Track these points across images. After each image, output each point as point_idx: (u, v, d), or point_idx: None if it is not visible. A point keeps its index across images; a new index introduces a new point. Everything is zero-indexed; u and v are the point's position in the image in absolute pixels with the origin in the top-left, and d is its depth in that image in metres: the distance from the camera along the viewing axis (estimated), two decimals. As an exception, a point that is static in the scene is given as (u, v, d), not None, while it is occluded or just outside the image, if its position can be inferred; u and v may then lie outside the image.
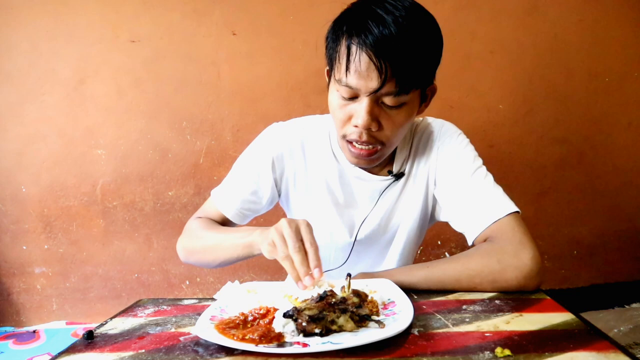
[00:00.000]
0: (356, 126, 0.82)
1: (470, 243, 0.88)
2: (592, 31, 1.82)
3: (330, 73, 0.87)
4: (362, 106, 0.80)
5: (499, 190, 0.88)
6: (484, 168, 0.92)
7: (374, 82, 0.77)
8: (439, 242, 1.89)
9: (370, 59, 0.76)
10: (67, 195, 1.88)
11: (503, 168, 1.86)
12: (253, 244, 0.82)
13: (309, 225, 0.74)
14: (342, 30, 0.81)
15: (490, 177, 0.90)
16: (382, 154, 0.89)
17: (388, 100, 0.80)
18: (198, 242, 0.96)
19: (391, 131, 0.84)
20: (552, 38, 1.82)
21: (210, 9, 1.80)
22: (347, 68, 0.78)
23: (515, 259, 0.77)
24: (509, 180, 1.85)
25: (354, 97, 0.81)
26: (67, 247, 1.90)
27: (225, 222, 1.02)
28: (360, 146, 0.86)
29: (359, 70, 0.77)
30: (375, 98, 0.80)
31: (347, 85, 0.80)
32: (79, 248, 1.90)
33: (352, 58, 0.78)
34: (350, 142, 0.87)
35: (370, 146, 0.85)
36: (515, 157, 1.87)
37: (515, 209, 0.84)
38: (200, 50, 1.82)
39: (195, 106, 1.85)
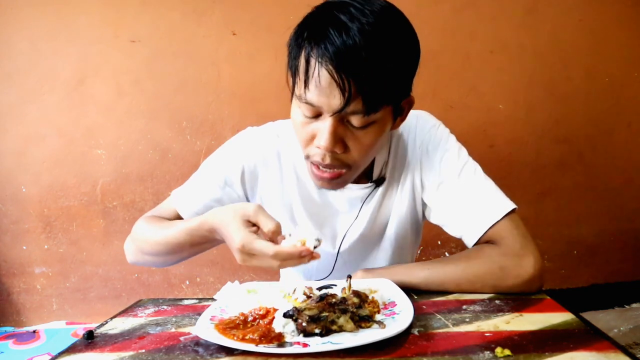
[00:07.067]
0: (319, 147, 0.74)
1: (469, 247, 0.87)
2: (592, 31, 1.82)
3: (292, 85, 0.77)
4: (325, 126, 0.71)
5: (491, 186, 0.85)
6: (470, 161, 0.88)
7: (336, 101, 0.68)
8: (439, 242, 1.89)
9: (331, 74, 0.66)
10: (67, 195, 1.87)
11: (503, 168, 1.85)
12: (206, 225, 0.74)
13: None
14: (302, 37, 0.71)
15: (479, 170, 0.87)
16: (347, 178, 0.81)
17: (355, 120, 0.71)
18: (149, 238, 0.86)
19: (358, 153, 0.75)
20: (552, 38, 1.82)
21: (210, 9, 1.80)
22: (307, 84, 0.69)
23: (517, 266, 0.76)
24: (509, 180, 1.85)
25: (317, 115, 0.73)
26: (67, 247, 1.90)
27: None
28: (323, 169, 0.77)
29: (319, 86, 0.68)
30: (340, 117, 0.71)
31: (308, 103, 0.71)
32: (79, 248, 1.90)
33: (311, 73, 0.68)
34: (314, 164, 0.78)
35: (335, 170, 0.77)
36: (515, 157, 1.87)
37: (512, 205, 0.82)
38: (200, 50, 1.82)
39: (195, 106, 1.84)
